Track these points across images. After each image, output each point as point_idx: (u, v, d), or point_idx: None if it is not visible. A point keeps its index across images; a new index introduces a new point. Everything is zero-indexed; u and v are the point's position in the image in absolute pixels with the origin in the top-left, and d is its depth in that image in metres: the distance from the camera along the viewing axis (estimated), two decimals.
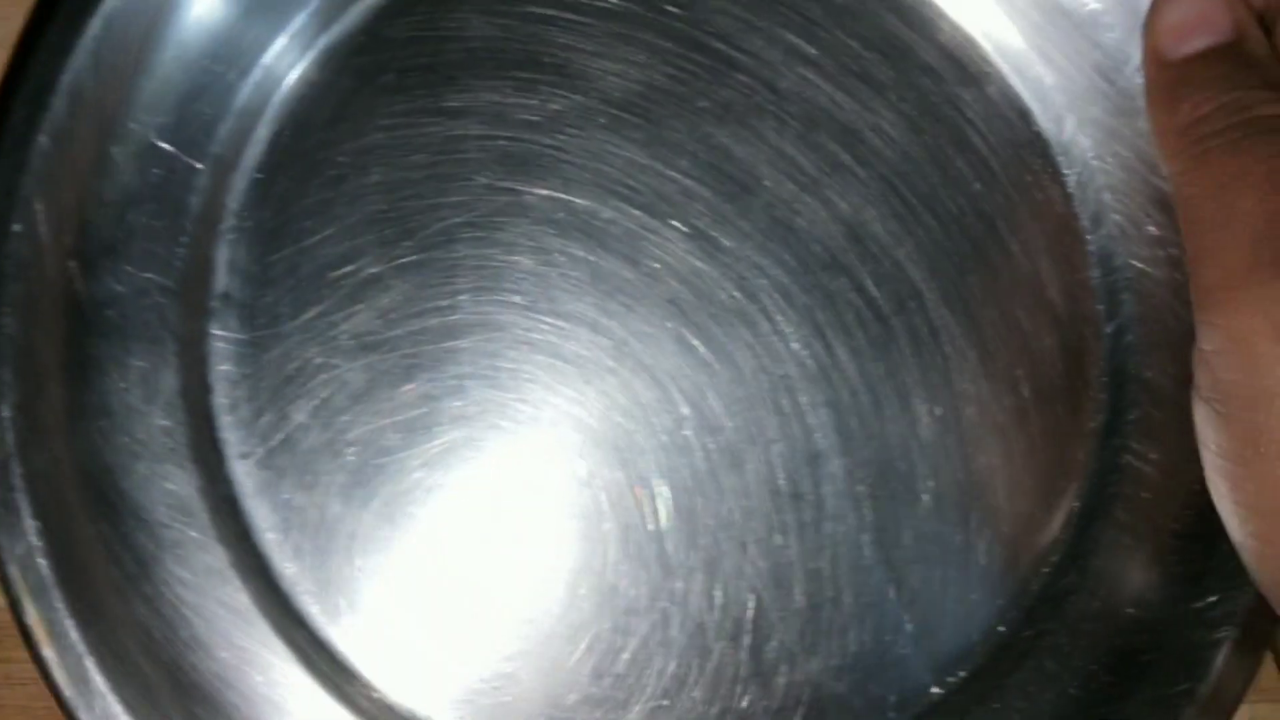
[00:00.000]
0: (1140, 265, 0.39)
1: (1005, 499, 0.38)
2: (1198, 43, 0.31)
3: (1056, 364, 0.39)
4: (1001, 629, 0.38)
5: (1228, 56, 0.31)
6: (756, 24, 0.39)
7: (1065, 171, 0.39)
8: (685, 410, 0.37)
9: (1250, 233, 0.29)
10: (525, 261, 0.38)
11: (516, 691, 0.36)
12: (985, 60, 0.40)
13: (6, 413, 0.34)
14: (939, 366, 0.38)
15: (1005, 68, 0.40)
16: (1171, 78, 0.32)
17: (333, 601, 0.36)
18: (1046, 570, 0.38)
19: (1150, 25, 0.32)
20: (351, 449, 0.37)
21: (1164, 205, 0.38)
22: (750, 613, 0.37)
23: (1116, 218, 0.39)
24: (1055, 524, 0.38)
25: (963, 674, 0.37)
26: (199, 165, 0.37)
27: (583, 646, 0.36)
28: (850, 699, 0.37)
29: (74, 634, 0.33)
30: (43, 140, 0.35)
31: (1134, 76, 0.38)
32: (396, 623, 0.36)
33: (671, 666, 0.36)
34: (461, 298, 0.37)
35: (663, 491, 0.37)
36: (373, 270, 0.37)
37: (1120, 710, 0.36)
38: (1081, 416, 0.39)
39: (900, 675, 0.37)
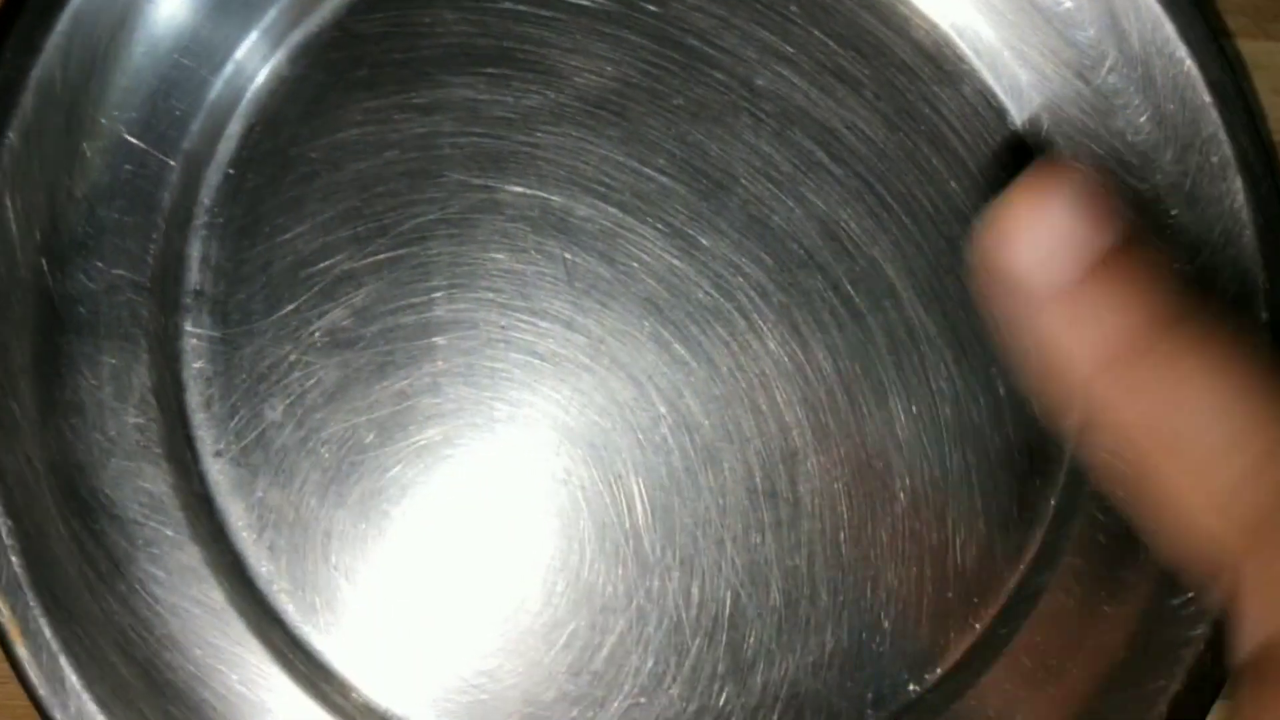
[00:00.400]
0: None
1: (981, 497, 0.38)
2: (1073, 267, 0.25)
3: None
4: (978, 626, 0.38)
5: (1117, 271, 0.25)
6: (732, 21, 0.39)
7: None
8: (662, 408, 0.37)
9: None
10: (500, 259, 0.38)
11: (494, 690, 0.36)
12: (961, 59, 0.40)
13: None
14: (915, 365, 0.38)
15: (981, 66, 0.40)
16: (1060, 312, 0.26)
17: (308, 600, 0.36)
18: (1022, 568, 0.38)
19: (995, 262, 0.26)
20: (326, 447, 0.36)
21: (1140, 206, 0.39)
22: (727, 610, 0.37)
23: None
24: (1031, 523, 0.38)
25: (940, 671, 0.37)
26: (170, 161, 0.37)
27: (560, 644, 0.36)
28: (827, 696, 0.37)
29: (47, 632, 0.33)
30: (11, 138, 0.34)
31: (1108, 76, 0.39)
32: (373, 621, 0.36)
33: (649, 664, 0.36)
34: (436, 295, 0.37)
35: (639, 489, 0.37)
36: (346, 267, 0.37)
37: (1096, 707, 0.36)
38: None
39: (877, 673, 0.37)
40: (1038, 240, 0.25)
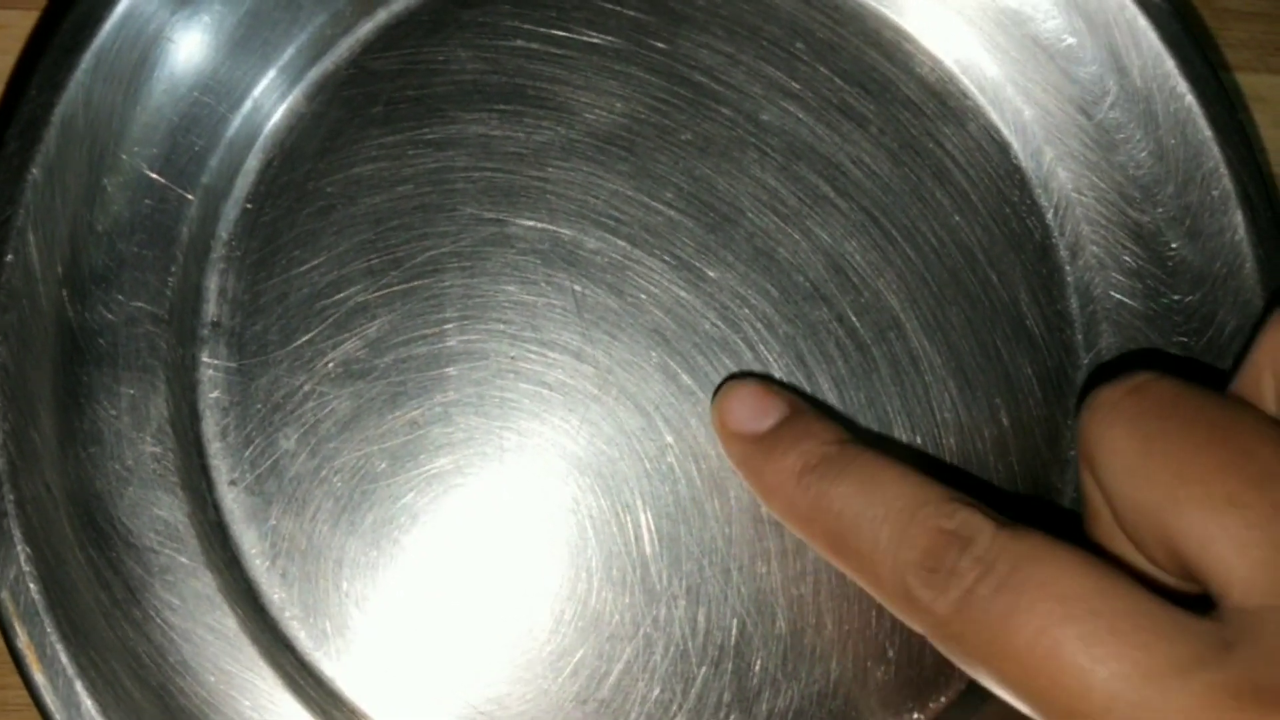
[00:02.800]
0: (1118, 296, 0.39)
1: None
2: (768, 421, 0.35)
3: (1035, 393, 0.39)
4: None
5: (796, 421, 0.35)
6: (739, 58, 0.40)
7: (1044, 204, 0.40)
8: (669, 438, 0.38)
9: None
10: (511, 291, 0.38)
11: (503, 717, 0.36)
12: (965, 95, 0.40)
13: None
14: (919, 395, 0.38)
15: (984, 102, 0.40)
16: (765, 444, 0.35)
17: (320, 627, 0.36)
18: None
19: (724, 423, 0.36)
20: (339, 476, 0.37)
21: (1141, 238, 0.39)
22: (733, 639, 0.37)
23: (1095, 249, 0.39)
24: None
25: (944, 700, 0.37)
26: (189, 195, 0.37)
27: (567, 672, 0.36)
28: None
29: (64, 658, 0.33)
30: (35, 173, 0.35)
31: (1110, 110, 0.39)
32: (383, 649, 0.36)
33: (655, 692, 0.37)
34: (448, 326, 0.38)
35: (646, 518, 0.37)
36: (360, 299, 0.37)
37: None
38: (1060, 446, 0.39)
39: (882, 701, 0.37)
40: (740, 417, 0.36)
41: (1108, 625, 0.27)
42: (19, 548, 0.33)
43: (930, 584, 0.30)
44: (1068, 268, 0.40)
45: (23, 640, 0.33)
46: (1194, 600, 0.29)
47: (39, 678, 0.33)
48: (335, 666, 0.36)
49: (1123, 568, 0.30)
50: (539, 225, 0.38)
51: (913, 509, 0.31)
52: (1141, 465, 0.30)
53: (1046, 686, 0.28)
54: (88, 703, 0.33)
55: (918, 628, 0.31)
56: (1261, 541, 0.28)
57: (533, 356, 0.38)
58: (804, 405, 0.36)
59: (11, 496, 0.33)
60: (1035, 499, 0.39)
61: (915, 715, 0.37)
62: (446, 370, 0.37)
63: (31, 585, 0.33)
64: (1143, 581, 0.29)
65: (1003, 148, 0.40)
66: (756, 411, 0.36)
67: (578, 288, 0.38)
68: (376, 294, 0.38)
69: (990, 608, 0.29)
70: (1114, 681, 0.27)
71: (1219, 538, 0.29)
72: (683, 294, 0.38)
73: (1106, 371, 0.39)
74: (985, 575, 0.29)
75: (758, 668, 0.37)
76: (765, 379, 0.37)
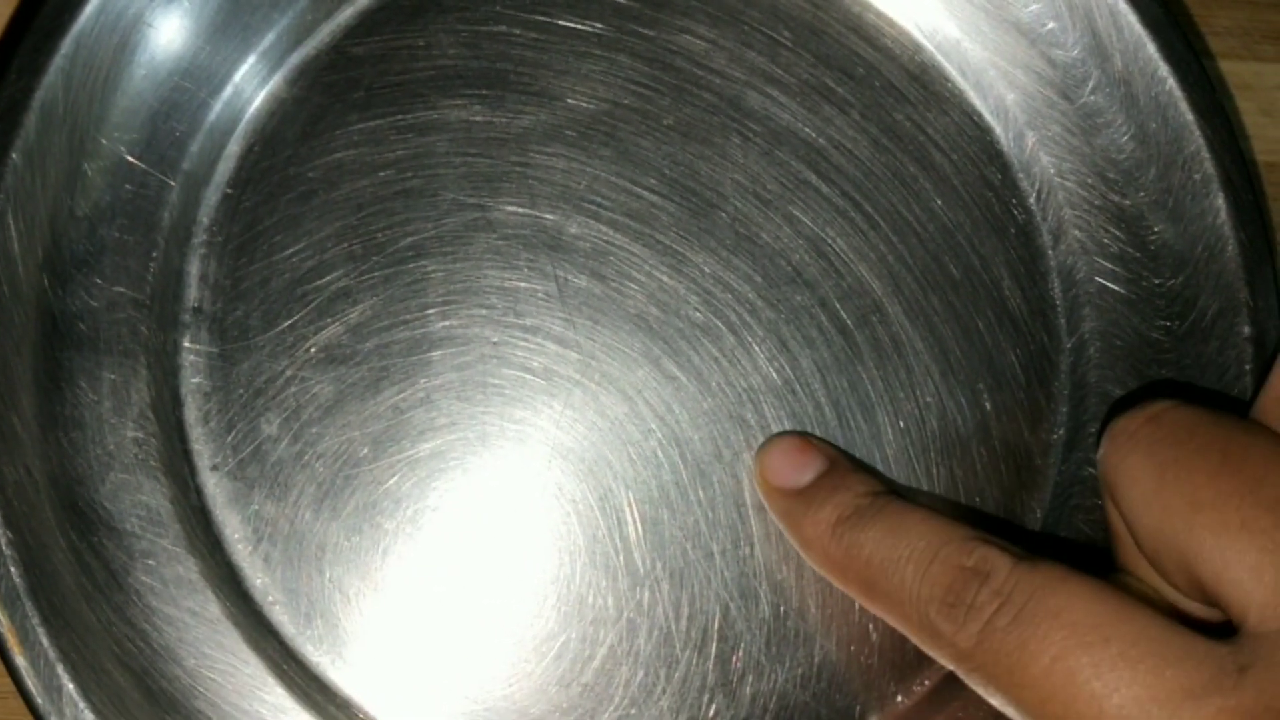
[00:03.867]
0: (1101, 280, 0.39)
1: (969, 510, 0.38)
2: (807, 475, 0.36)
3: (1019, 377, 0.39)
4: None
5: (832, 475, 0.36)
6: (721, 43, 0.40)
7: (1026, 188, 0.40)
8: (652, 423, 0.38)
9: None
10: (493, 276, 0.38)
11: (486, 700, 0.36)
12: (947, 79, 0.40)
13: None
14: (902, 379, 0.39)
15: (967, 87, 0.40)
16: (804, 498, 0.36)
17: (302, 612, 0.36)
18: None
19: (765, 478, 0.37)
20: (321, 461, 0.37)
21: (1123, 221, 0.39)
22: (717, 623, 0.37)
23: (1077, 233, 0.40)
24: (1018, 534, 0.38)
25: (927, 684, 0.38)
26: (170, 181, 0.38)
27: (551, 655, 0.37)
28: (816, 708, 0.37)
29: (45, 641, 0.33)
30: (15, 157, 0.35)
31: (1092, 95, 0.39)
32: (366, 634, 0.37)
33: (640, 675, 0.37)
34: (430, 312, 0.38)
35: (630, 503, 0.37)
36: (342, 284, 0.38)
37: None
38: (1043, 429, 0.39)
39: (865, 685, 0.37)
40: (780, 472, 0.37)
41: (1119, 651, 0.28)
42: (0, 531, 0.33)
43: (951, 618, 0.31)
44: (1050, 251, 0.40)
45: (4, 624, 0.33)
46: (1219, 627, 0.30)
47: (21, 661, 0.33)
48: (317, 652, 0.36)
49: (1149, 595, 0.31)
50: (521, 210, 0.38)
51: (935, 548, 0.32)
52: (1157, 493, 0.31)
53: (1062, 714, 0.29)
54: (70, 686, 0.33)
55: (944, 661, 0.32)
56: (1276, 565, 0.29)
57: (516, 342, 0.38)
58: (841, 458, 0.37)
59: None
60: (1018, 481, 0.39)
61: (899, 698, 0.38)
62: (429, 355, 0.38)
63: (12, 569, 0.33)
64: (1169, 609, 0.30)
65: (985, 132, 0.40)
66: (797, 466, 0.37)
67: (560, 273, 0.38)
68: (358, 279, 0.38)
69: (1008, 638, 0.30)
70: (1127, 707, 0.28)
71: (1234, 563, 0.29)
72: (665, 279, 0.38)
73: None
74: (1003, 607, 0.30)
75: (741, 651, 0.37)
76: (804, 435, 0.38)
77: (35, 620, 0.33)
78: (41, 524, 0.35)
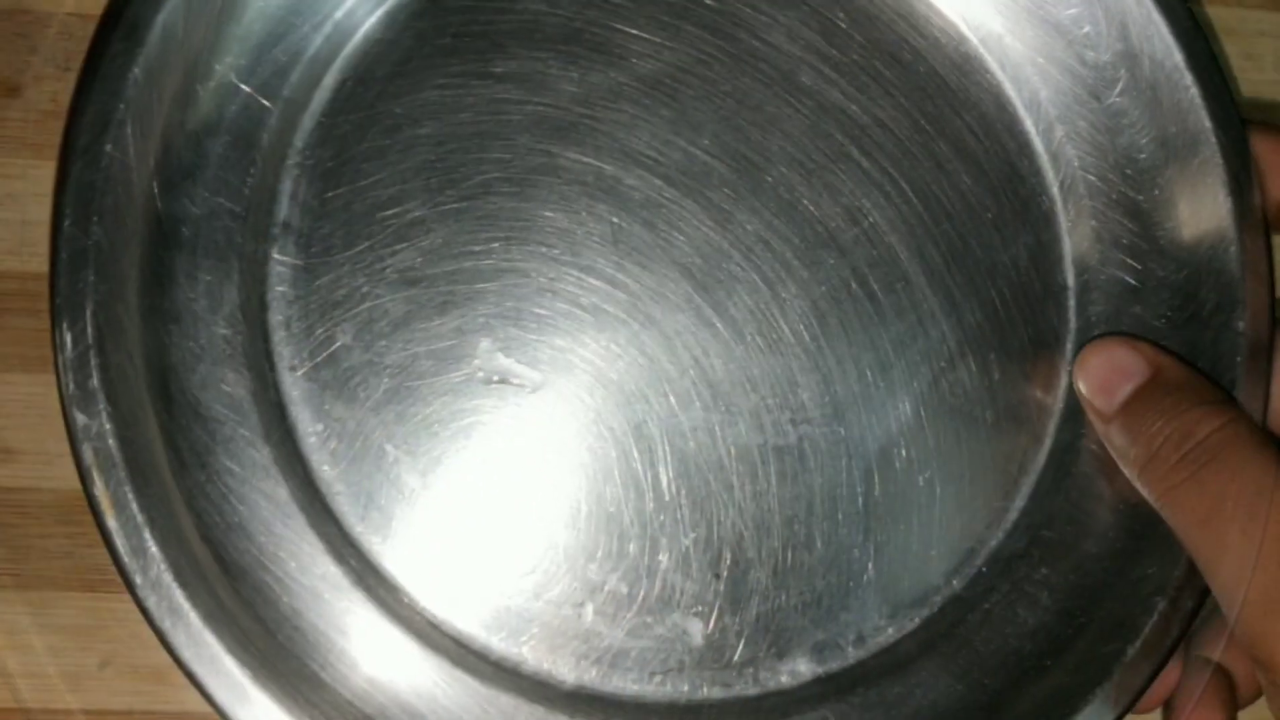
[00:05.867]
0: (1111, 269, 0.41)
1: (971, 468, 0.41)
2: (1124, 391, 0.35)
3: (1028, 351, 0.41)
4: (955, 583, 0.40)
5: (1155, 391, 0.35)
6: (781, 21, 0.42)
7: (1051, 178, 0.42)
8: (687, 364, 0.40)
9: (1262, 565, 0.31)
10: (554, 217, 0.40)
11: (521, 598, 0.39)
12: (987, 71, 0.42)
13: (89, 310, 0.36)
14: (919, 344, 0.41)
15: (1004, 79, 0.42)
16: (1118, 426, 0.35)
17: (361, 503, 0.39)
18: (1001, 535, 0.41)
19: (1080, 393, 0.36)
20: (388, 371, 0.39)
21: (1138, 216, 0.41)
22: (730, 548, 0.40)
23: (1093, 223, 0.41)
24: (1014, 495, 0.41)
25: (916, 620, 0.40)
26: (271, 105, 0.39)
27: (580, 564, 0.39)
28: (813, 633, 0.40)
29: (134, 506, 0.35)
30: (136, 72, 0.37)
31: (1119, 96, 0.41)
32: (414, 527, 0.39)
33: (657, 588, 0.39)
34: (494, 245, 0.40)
35: (661, 433, 0.40)
36: (418, 213, 0.40)
37: (1057, 662, 0.39)
38: (1047, 401, 0.41)
39: (859, 617, 0.40)
40: (1100, 376, 0.35)
41: None
42: (102, 406, 0.35)
43: None
44: (1068, 238, 0.41)
45: (99, 488, 0.35)
46: None
47: (112, 524, 0.35)
48: (373, 539, 0.39)
49: None
50: (584, 159, 0.40)
51: None
52: None
53: None
54: (154, 548, 0.35)
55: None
56: None
57: (570, 279, 0.40)
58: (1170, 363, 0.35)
59: (97, 362, 0.35)
60: (1016, 446, 0.41)
61: (889, 631, 0.40)
62: (490, 285, 0.40)
63: (110, 441, 0.35)
64: None
65: (1017, 123, 0.42)
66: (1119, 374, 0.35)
67: (616, 220, 0.40)
68: (433, 209, 0.40)
69: None
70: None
71: None
72: (711, 234, 0.41)
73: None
74: None
75: (750, 576, 0.40)
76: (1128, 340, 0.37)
77: (128, 489, 0.35)
78: (139, 406, 0.36)
